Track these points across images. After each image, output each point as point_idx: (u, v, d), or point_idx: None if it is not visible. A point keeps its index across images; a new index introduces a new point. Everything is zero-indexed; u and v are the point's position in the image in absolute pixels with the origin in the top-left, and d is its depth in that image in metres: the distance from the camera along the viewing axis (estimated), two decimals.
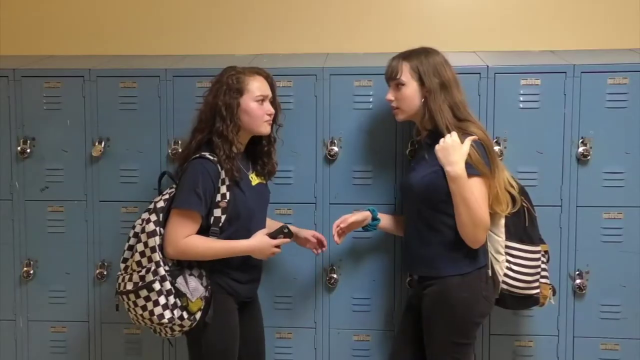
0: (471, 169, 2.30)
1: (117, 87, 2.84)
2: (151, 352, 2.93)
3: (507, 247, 2.43)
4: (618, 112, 2.69)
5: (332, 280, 2.81)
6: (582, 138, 2.69)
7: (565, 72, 2.69)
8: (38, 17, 3.40)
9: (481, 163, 2.31)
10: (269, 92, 2.46)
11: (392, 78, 2.45)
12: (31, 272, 2.91)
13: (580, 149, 2.68)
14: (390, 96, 2.47)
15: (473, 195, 2.28)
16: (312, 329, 2.87)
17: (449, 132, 2.33)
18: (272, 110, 2.46)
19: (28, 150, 2.87)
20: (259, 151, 2.54)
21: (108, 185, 2.87)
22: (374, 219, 2.59)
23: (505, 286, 2.44)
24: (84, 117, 2.86)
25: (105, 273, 2.87)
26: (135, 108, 2.84)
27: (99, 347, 2.95)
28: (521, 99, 2.72)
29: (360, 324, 2.86)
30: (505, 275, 2.43)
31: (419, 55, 2.42)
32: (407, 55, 2.44)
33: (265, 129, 2.45)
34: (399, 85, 2.43)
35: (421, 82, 2.39)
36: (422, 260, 2.44)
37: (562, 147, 2.71)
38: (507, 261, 2.43)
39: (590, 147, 2.68)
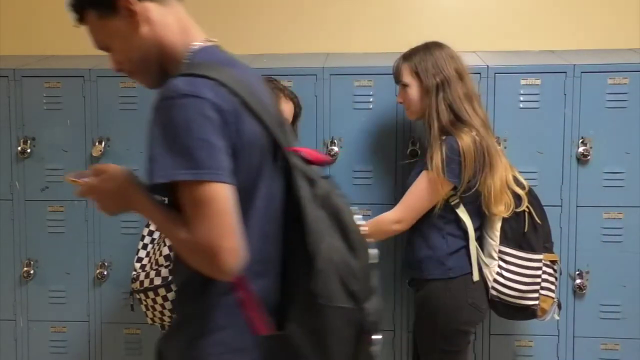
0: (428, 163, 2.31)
1: (117, 86, 2.84)
2: (151, 352, 2.91)
3: (500, 251, 2.36)
4: (618, 112, 2.69)
5: None
6: (582, 138, 2.69)
7: (565, 72, 2.69)
8: (38, 17, 3.39)
9: (438, 166, 2.27)
10: (290, 118, 2.52)
11: (396, 80, 2.48)
12: (31, 272, 2.91)
13: (580, 149, 2.68)
14: (398, 98, 2.50)
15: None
16: None
17: (441, 133, 2.31)
18: None
19: (28, 150, 2.87)
20: None
21: None
22: None
23: (494, 292, 2.37)
24: (84, 117, 2.86)
25: (105, 273, 2.87)
26: (135, 108, 2.84)
27: (99, 347, 2.94)
28: (521, 98, 2.71)
29: None
30: (495, 280, 2.36)
31: (418, 53, 2.40)
32: (407, 55, 2.44)
33: None
34: (404, 86, 2.43)
35: (421, 80, 2.38)
36: (411, 262, 2.45)
37: (562, 147, 2.70)
38: (499, 266, 2.36)
39: (590, 147, 2.68)
